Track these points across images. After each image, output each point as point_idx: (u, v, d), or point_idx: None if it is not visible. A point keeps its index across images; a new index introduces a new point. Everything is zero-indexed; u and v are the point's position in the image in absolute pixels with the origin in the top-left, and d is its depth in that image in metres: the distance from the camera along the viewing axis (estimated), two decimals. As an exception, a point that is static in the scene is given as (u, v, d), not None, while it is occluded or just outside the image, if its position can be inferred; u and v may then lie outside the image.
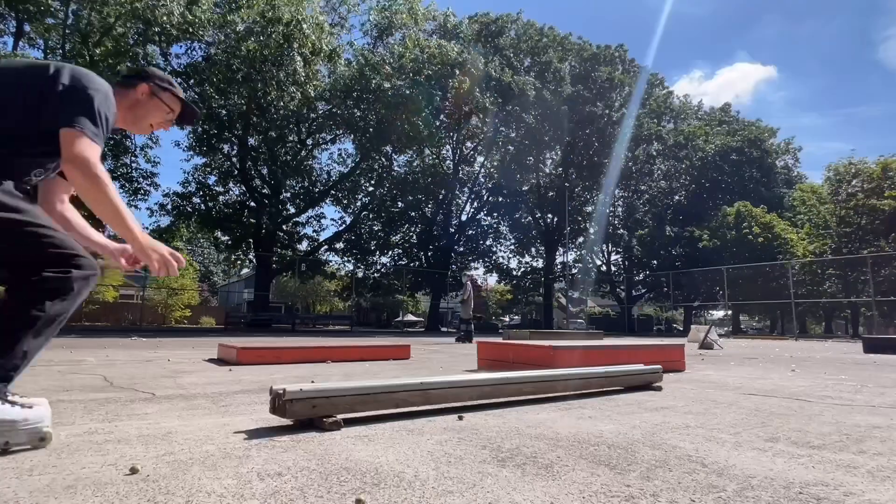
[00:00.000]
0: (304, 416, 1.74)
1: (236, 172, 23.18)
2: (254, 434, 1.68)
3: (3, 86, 1.41)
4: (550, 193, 33.16)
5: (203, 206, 22.79)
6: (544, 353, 3.72)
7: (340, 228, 28.55)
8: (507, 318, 50.84)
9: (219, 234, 23.73)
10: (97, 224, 1.83)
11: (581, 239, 37.51)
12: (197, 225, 23.12)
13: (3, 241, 1.37)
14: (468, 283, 11.74)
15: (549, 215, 34.11)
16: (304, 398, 1.72)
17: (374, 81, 20.73)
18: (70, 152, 1.35)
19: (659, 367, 3.18)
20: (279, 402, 1.71)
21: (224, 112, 21.10)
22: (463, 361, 5.18)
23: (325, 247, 27.60)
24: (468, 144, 31.81)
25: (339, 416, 1.80)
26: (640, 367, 3.13)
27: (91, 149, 1.37)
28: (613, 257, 40.74)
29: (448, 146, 31.04)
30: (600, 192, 34.39)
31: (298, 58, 18.74)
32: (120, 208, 1.45)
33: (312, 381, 3.13)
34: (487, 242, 34.82)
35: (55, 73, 1.43)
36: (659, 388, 3.06)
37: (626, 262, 39.08)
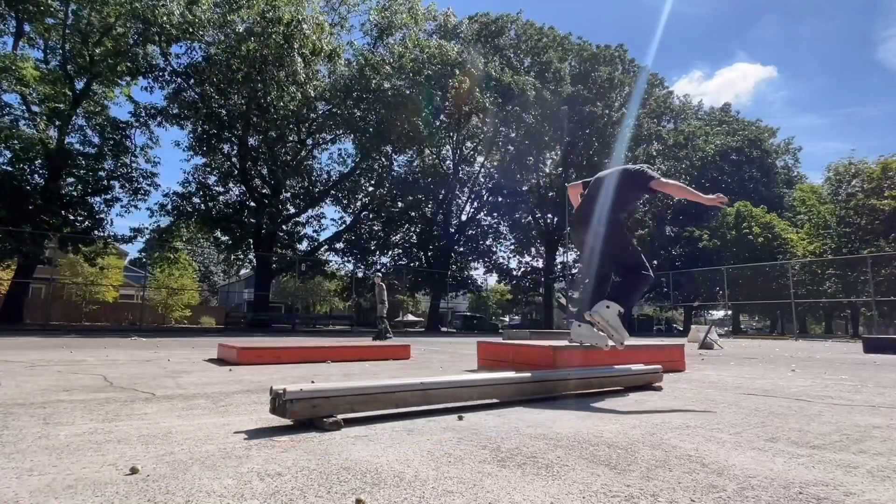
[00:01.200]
0: (305, 416, 1.74)
1: (236, 172, 23.16)
2: (254, 434, 1.68)
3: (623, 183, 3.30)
4: (550, 193, 33.13)
5: (203, 206, 22.77)
6: (544, 354, 3.70)
7: (340, 228, 28.53)
8: (506, 318, 50.85)
9: (219, 234, 23.70)
10: None
11: (581, 239, 37.44)
12: (197, 225, 23.11)
13: (634, 256, 3.19)
14: (381, 283, 11.13)
15: (549, 215, 34.10)
16: (304, 398, 1.72)
17: (374, 81, 20.70)
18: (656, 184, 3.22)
19: (659, 366, 3.18)
20: (279, 402, 1.71)
21: (224, 112, 21.08)
22: (463, 361, 5.18)
23: (325, 247, 27.60)
24: (468, 144, 31.79)
25: (340, 416, 1.80)
26: (641, 367, 3.12)
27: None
28: (613, 257, 40.68)
29: (448, 146, 31.00)
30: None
31: (298, 58, 18.72)
32: (687, 190, 3.18)
33: (312, 381, 3.13)
34: (487, 242, 34.81)
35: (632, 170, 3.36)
36: (659, 388, 3.06)
37: (627, 262, 39.03)
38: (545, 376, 2.57)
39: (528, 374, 2.52)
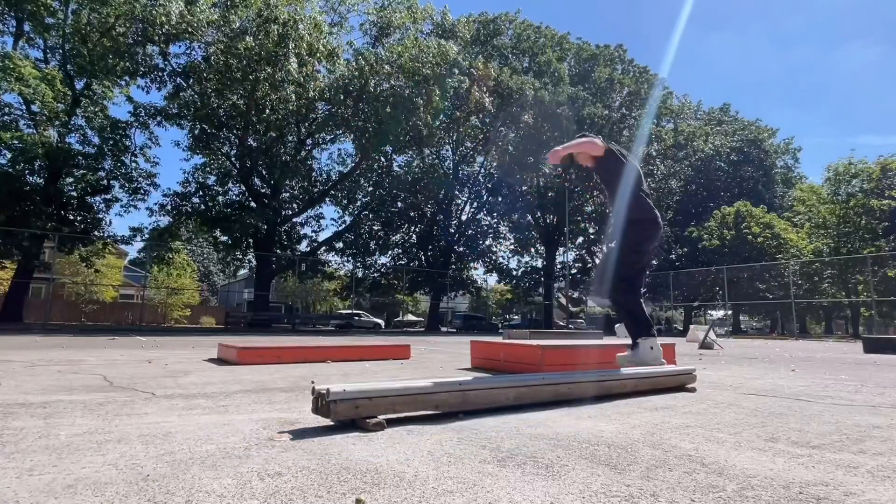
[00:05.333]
0: (348, 416, 1.75)
1: (235, 172, 23.16)
2: (254, 434, 1.68)
3: None
4: (550, 193, 33.15)
5: (202, 206, 22.77)
6: (532, 353, 3.78)
7: (340, 228, 28.54)
8: (508, 317, 50.92)
9: (218, 233, 23.70)
10: None
11: (581, 239, 37.52)
12: (196, 225, 23.10)
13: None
14: None
15: (549, 215, 34.10)
16: (347, 399, 1.73)
17: (373, 81, 20.70)
18: None
19: (693, 368, 3.19)
20: (322, 403, 1.71)
21: (223, 112, 21.07)
22: (462, 361, 5.18)
23: (325, 247, 27.59)
24: (468, 144, 31.79)
25: (382, 417, 1.81)
26: (674, 367, 3.16)
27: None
28: (613, 257, 40.69)
29: (448, 146, 31.00)
30: (600, 193, 34.31)
31: (294, 58, 18.69)
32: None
33: (312, 382, 3.13)
34: (487, 242, 34.81)
35: None
36: (693, 390, 3.01)
37: (626, 262, 39.01)
38: (587, 378, 2.58)
39: (568, 376, 2.53)
